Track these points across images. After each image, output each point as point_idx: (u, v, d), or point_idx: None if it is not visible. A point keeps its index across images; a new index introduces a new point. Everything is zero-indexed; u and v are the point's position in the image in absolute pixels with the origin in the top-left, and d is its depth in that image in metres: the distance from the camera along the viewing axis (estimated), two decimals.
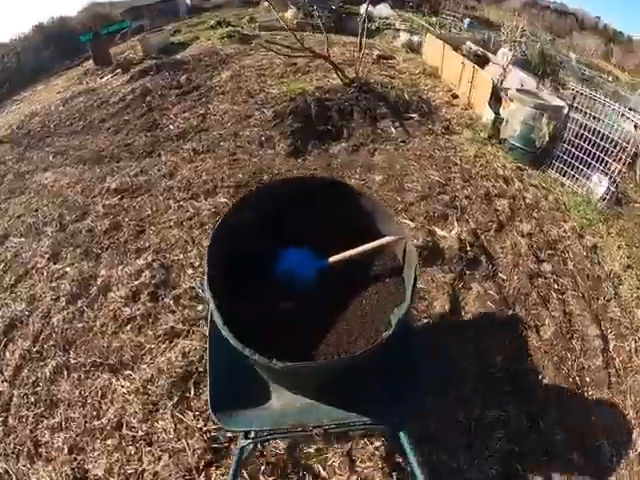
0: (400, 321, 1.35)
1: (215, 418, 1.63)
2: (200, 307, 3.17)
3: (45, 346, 3.07)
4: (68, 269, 3.59)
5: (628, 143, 5.08)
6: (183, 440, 2.51)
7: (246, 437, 1.68)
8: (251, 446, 1.72)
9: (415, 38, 8.78)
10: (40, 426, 2.66)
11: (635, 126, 6.10)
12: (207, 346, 1.78)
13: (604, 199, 5.34)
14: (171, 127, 5.60)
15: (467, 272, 3.61)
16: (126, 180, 4.57)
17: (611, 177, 5.30)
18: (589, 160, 5.33)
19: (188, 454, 2.45)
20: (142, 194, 4.37)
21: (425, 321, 3.19)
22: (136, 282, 3.40)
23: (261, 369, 1.57)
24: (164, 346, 2.98)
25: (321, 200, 1.77)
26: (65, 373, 2.90)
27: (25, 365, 2.98)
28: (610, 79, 10.97)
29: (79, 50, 11.44)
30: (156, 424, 2.60)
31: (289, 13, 10.72)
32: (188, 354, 2.88)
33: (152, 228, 3.94)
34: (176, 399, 2.69)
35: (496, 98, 6.12)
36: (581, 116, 5.35)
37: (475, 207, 4.23)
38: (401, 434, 1.63)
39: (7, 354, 3.09)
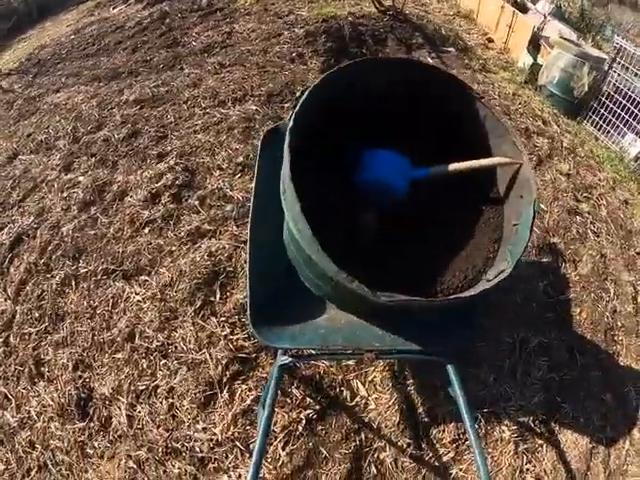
0: (519, 260, 1.18)
1: (254, 331, 1.43)
2: (229, 207, 2.97)
3: (53, 257, 2.88)
4: (81, 178, 3.41)
5: None
6: (205, 350, 2.31)
7: (286, 354, 1.53)
8: (291, 364, 1.55)
9: None
10: (43, 343, 2.50)
11: None
12: (247, 241, 1.54)
13: (637, 159, 5.23)
14: (194, 43, 5.26)
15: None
16: (146, 91, 4.29)
17: None
18: (626, 117, 5.19)
19: (210, 365, 2.26)
20: (164, 103, 4.11)
21: None
22: (157, 184, 3.20)
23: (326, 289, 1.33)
24: (186, 247, 2.79)
25: (424, 94, 1.46)
26: (73, 284, 2.73)
27: (30, 279, 2.81)
28: None
29: None
30: (174, 333, 2.40)
31: None
32: (215, 253, 2.70)
33: (175, 134, 3.70)
34: (199, 304, 2.49)
35: (534, 45, 5.89)
36: (623, 71, 5.18)
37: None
38: (449, 367, 1.53)
39: (12, 270, 2.91)
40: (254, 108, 3.77)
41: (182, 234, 2.84)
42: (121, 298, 2.60)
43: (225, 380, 2.18)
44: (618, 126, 5.27)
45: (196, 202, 3.03)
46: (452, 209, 1.52)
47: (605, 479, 2.39)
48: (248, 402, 2.11)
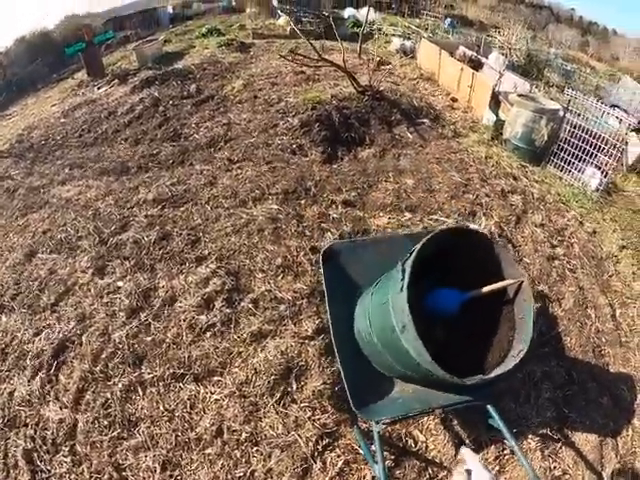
0: (531, 342, 2.05)
1: (359, 413, 2.24)
2: (282, 307, 3.36)
3: (110, 365, 2.97)
4: (120, 283, 3.55)
5: (615, 139, 5.90)
6: (293, 432, 2.66)
7: (377, 422, 2.18)
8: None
9: (407, 43, 9.50)
10: (119, 449, 2.58)
11: (620, 121, 6.99)
12: (335, 347, 2.40)
13: (597, 190, 6.16)
14: (196, 136, 5.95)
15: None
16: (164, 190, 4.69)
17: (602, 170, 6.13)
18: (582, 155, 6.14)
19: (301, 444, 2.62)
20: (185, 203, 4.51)
21: None
22: (206, 289, 3.45)
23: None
24: (253, 348, 3.09)
25: (464, 247, 2.23)
26: (140, 390, 2.84)
27: (88, 387, 2.86)
28: (588, 71, 11.99)
29: (64, 62, 11.53)
30: (260, 423, 2.70)
31: (282, 21, 11.25)
32: (286, 351, 3.05)
33: (207, 236, 4.07)
34: (278, 395, 2.82)
35: (495, 102, 6.86)
36: (575, 117, 6.15)
37: (495, 203, 4.93)
38: (489, 406, 2.32)
39: (62, 378, 2.94)
40: (275, 207, 4.48)
41: (245, 336, 3.12)
42: (197, 399, 2.81)
43: (316, 454, 2.61)
44: (576, 164, 6.22)
45: (250, 305, 3.34)
46: (483, 311, 2.30)
47: (618, 462, 3.10)
48: (339, 465, 2.64)
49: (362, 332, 2.43)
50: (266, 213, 4.36)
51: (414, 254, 1.91)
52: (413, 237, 2.80)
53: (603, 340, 4.20)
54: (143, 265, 3.73)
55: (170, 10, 16.08)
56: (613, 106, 8.50)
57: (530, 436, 3.09)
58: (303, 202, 4.51)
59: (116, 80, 9.18)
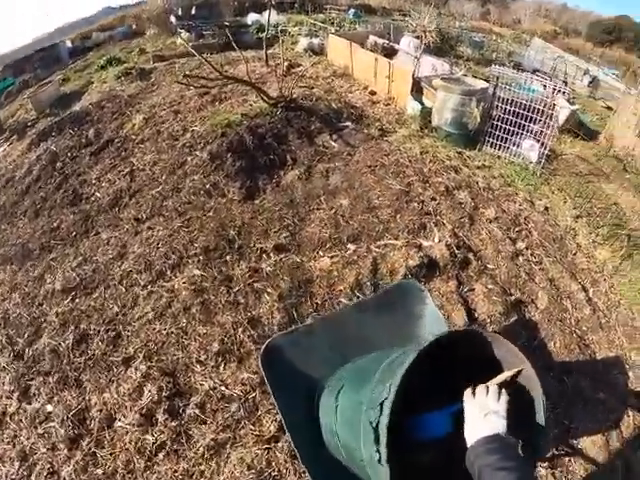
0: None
1: None
2: (234, 406, 2.77)
3: None
4: (49, 407, 2.98)
5: (545, 106, 5.50)
6: None
7: None
8: None
9: (315, 40, 8.77)
10: None
11: (544, 86, 6.63)
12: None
13: (539, 162, 5.74)
14: (98, 194, 4.97)
15: (463, 274, 3.69)
16: (71, 275, 3.87)
17: (539, 140, 5.72)
18: (516, 130, 5.71)
19: None
20: (97, 287, 3.71)
21: None
22: (143, 401, 2.85)
23: None
24: (214, 463, 2.58)
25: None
26: None
27: None
28: (494, 38, 11.82)
29: None
30: None
31: (182, 38, 10.20)
32: (252, 463, 2.53)
33: (128, 328, 3.32)
34: None
35: (417, 89, 6.28)
36: (503, 92, 5.68)
37: (443, 206, 4.34)
38: None
39: None
40: (198, 273, 3.62)
41: (201, 450, 2.60)
42: None
43: None
44: (513, 139, 5.78)
45: (196, 411, 2.77)
46: None
47: (626, 448, 3.00)
48: None
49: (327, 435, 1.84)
50: (189, 284, 3.51)
51: (392, 395, 1.21)
52: (362, 307, 2.21)
53: (584, 328, 3.89)
54: (67, 380, 3.09)
55: (69, 44, 14.37)
56: (535, 71, 8.26)
57: (538, 463, 2.67)
58: (228, 259, 3.67)
59: (15, 136, 7.92)
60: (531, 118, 5.60)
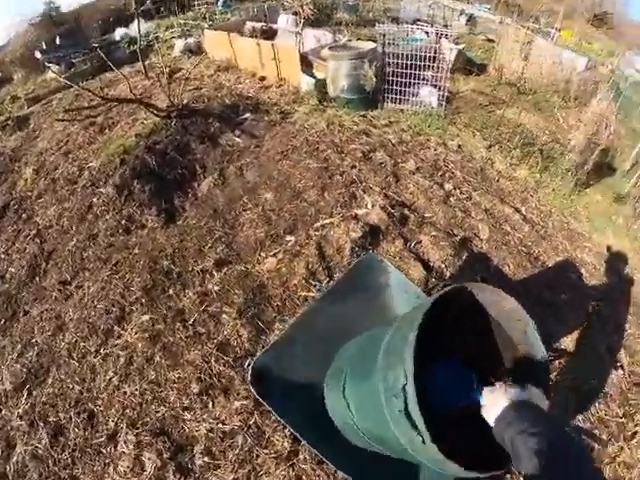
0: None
1: None
2: (239, 439, 2.51)
3: None
4: None
5: (432, 51, 5.58)
6: None
7: None
8: None
9: (190, 40, 8.26)
10: None
11: (427, 34, 6.74)
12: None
13: (440, 105, 5.84)
14: (12, 270, 4.10)
15: (405, 230, 3.64)
16: (15, 369, 3.16)
17: (435, 85, 5.81)
18: (412, 81, 5.75)
19: None
20: (48, 372, 3.10)
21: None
22: (148, 472, 2.48)
23: None
24: None
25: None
26: None
27: None
28: None
29: None
30: None
31: (52, 73, 9.15)
32: None
33: (98, 403, 2.88)
34: None
35: (306, 64, 6.12)
36: (392, 48, 5.68)
37: (365, 172, 4.25)
38: None
39: None
40: (146, 318, 3.11)
41: None
42: None
43: None
44: (410, 91, 5.82)
45: (205, 459, 2.50)
46: None
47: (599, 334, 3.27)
48: None
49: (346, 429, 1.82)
50: (141, 332, 3.09)
51: (410, 379, 1.13)
52: (329, 297, 2.09)
53: (529, 244, 4.09)
54: None
55: None
56: (415, 21, 8.39)
57: None
58: (172, 292, 3.29)
59: None
60: (423, 66, 5.67)
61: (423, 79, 5.82)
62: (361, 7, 10.48)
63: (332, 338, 1.96)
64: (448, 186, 4.35)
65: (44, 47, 10.61)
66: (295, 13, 7.53)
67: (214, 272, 3.34)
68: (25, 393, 3.04)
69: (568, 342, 3.25)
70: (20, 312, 3.67)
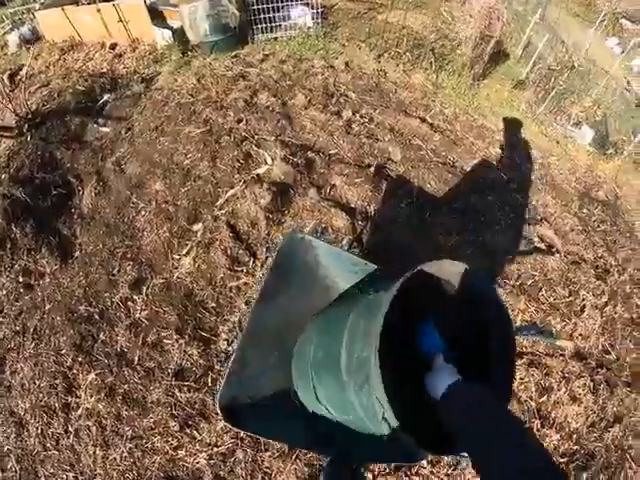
0: None
1: None
2: (240, 454, 2.40)
3: None
4: None
5: None
6: None
7: None
8: None
9: (24, 29, 6.81)
10: None
11: None
12: None
13: (317, 23, 5.26)
14: None
15: (314, 176, 3.35)
16: None
17: (308, 4, 5.21)
18: (280, 4, 5.09)
19: None
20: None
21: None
22: None
23: None
24: None
25: None
26: None
27: None
28: None
29: None
30: None
31: None
32: None
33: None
34: None
35: (157, 16, 5.22)
36: None
37: (253, 121, 3.75)
38: None
39: None
40: (93, 377, 2.74)
41: None
42: None
43: None
44: (281, 15, 5.18)
45: None
46: None
47: None
48: None
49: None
50: (96, 392, 2.70)
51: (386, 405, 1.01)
52: (267, 297, 1.82)
53: (443, 153, 3.96)
54: None
55: None
56: None
57: None
58: (103, 337, 2.85)
59: None
60: None
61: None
62: None
63: (283, 338, 1.82)
64: (346, 113, 3.96)
65: None
66: None
67: (134, 297, 2.89)
68: None
69: (505, 241, 3.18)
70: None
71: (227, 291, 2.84)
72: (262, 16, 5.02)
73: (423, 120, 4.20)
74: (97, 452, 2.56)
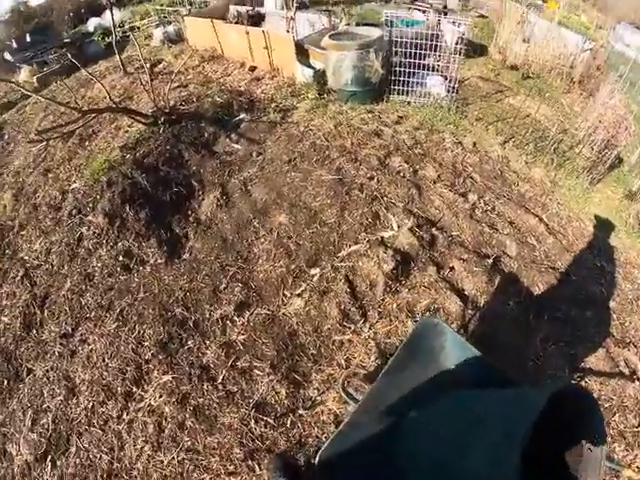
0: None
1: None
2: None
3: None
4: None
5: (435, 37, 5.05)
6: None
7: None
8: None
9: (170, 28, 7.37)
10: None
11: (423, 12, 6.12)
12: None
13: (448, 92, 5.33)
14: (5, 320, 3.45)
15: (436, 254, 3.32)
16: (32, 438, 2.71)
17: (441, 72, 5.32)
18: (416, 71, 5.22)
19: None
20: (68, 442, 2.65)
21: None
22: None
23: None
24: None
25: None
26: None
27: None
28: None
29: None
30: None
31: (23, 74, 8.14)
32: None
33: (134, 474, 2.47)
34: None
35: (301, 52, 5.46)
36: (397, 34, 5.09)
37: (384, 183, 3.78)
38: None
39: None
40: (169, 378, 2.67)
41: None
42: None
43: None
44: (417, 80, 5.29)
45: None
46: None
47: None
48: None
49: None
50: (166, 395, 2.65)
51: None
52: (392, 371, 1.82)
53: (553, 257, 3.76)
54: None
55: None
56: (412, 1, 7.67)
57: None
58: (191, 344, 2.82)
59: None
60: (424, 53, 5.09)
61: (427, 67, 5.26)
62: None
63: (396, 410, 1.80)
64: (472, 197, 3.92)
65: (14, 46, 9.52)
66: None
67: (235, 318, 2.88)
68: (49, 464, 2.61)
69: (594, 360, 3.04)
70: (23, 371, 3.14)
71: (330, 343, 2.77)
72: (401, 78, 5.15)
73: (540, 219, 4.11)
74: (145, 448, 2.51)
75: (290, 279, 3.04)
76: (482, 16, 9.59)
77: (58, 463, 2.58)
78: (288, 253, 3.18)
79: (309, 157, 4.01)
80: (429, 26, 5.85)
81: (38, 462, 2.61)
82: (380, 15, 5.90)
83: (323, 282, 3.00)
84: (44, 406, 2.85)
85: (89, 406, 2.74)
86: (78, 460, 2.56)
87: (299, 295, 2.95)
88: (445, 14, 6.13)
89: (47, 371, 3.03)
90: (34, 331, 3.34)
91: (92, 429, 2.64)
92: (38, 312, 3.43)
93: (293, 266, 3.09)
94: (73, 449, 2.61)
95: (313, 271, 3.06)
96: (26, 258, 3.92)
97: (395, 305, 2.93)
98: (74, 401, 2.80)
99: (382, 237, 3.26)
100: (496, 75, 6.68)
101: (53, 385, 2.93)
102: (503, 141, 5.03)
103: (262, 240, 3.31)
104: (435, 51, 5.30)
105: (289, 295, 2.96)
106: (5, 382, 3.12)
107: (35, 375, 3.05)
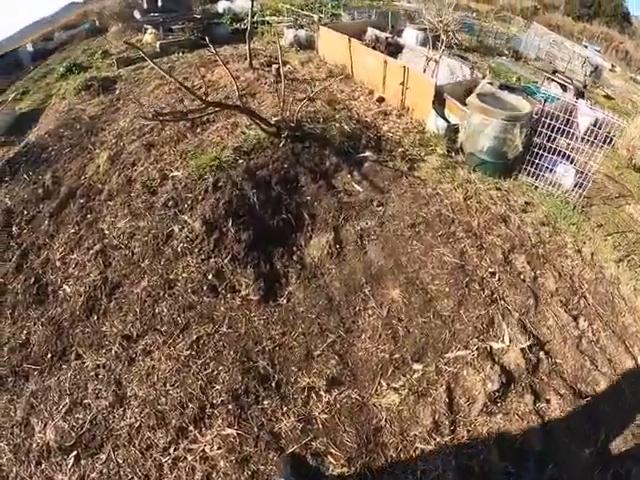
0: None
1: None
2: None
3: None
4: None
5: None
6: None
7: None
8: None
9: (301, 33, 7.25)
10: None
11: (563, 87, 5.78)
12: None
13: (577, 186, 4.96)
14: (67, 289, 3.49)
15: (536, 380, 3.05)
16: (62, 426, 2.65)
17: (578, 171, 4.97)
18: (553, 157, 4.90)
19: None
20: (101, 447, 2.57)
21: None
22: None
23: None
24: None
25: None
26: None
27: None
28: (474, 14, 10.54)
29: None
30: None
31: (148, 36, 8.30)
32: None
33: None
34: None
35: (437, 99, 5.22)
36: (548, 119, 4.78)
37: (505, 284, 3.57)
38: None
39: None
40: (232, 432, 2.56)
41: None
42: None
43: None
44: (546, 165, 4.98)
45: None
46: None
47: None
48: None
49: None
50: (225, 449, 2.51)
51: None
52: None
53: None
54: None
55: (30, 48, 11.60)
56: (555, 72, 7.24)
57: None
58: (267, 404, 2.70)
59: None
60: (554, 135, 4.77)
61: (556, 152, 4.91)
62: (477, 28, 9.19)
63: None
64: (582, 323, 3.65)
65: (145, 7, 9.81)
66: (423, 30, 6.45)
67: (322, 393, 2.75)
68: (72, 459, 2.57)
69: None
70: (72, 353, 3.09)
71: (412, 450, 2.61)
72: (534, 160, 4.85)
73: (636, 362, 3.75)
74: None
75: (390, 368, 2.89)
76: (607, 96, 9.07)
77: (82, 462, 2.53)
78: (395, 338, 3.02)
79: (433, 228, 3.82)
80: (566, 108, 5.45)
81: (61, 452, 2.57)
82: (509, 73, 5.54)
83: (423, 382, 2.84)
84: (85, 402, 2.78)
85: (135, 425, 2.65)
86: (106, 470, 2.49)
87: (396, 390, 2.79)
88: (582, 95, 5.73)
89: (98, 367, 2.96)
90: (95, 317, 3.26)
91: (132, 448, 2.56)
92: (104, 299, 3.34)
93: (397, 355, 2.94)
94: (103, 456, 2.54)
95: (416, 366, 2.90)
96: (107, 232, 3.85)
97: (485, 429, 2.74)
98: (120, 412, 2.72)
99: (491, 348, 3.05)
100: (620, 174, 6.25)
101: (101, 385, 2.86)
102: (618, 259, 4.67)
103: (370, 312, 3.16)
104: (567, 136, 4.96)
105: (385, 386, 2.82)
106: (49, 355, 3.07)
107: (84, 364, 2.98)
